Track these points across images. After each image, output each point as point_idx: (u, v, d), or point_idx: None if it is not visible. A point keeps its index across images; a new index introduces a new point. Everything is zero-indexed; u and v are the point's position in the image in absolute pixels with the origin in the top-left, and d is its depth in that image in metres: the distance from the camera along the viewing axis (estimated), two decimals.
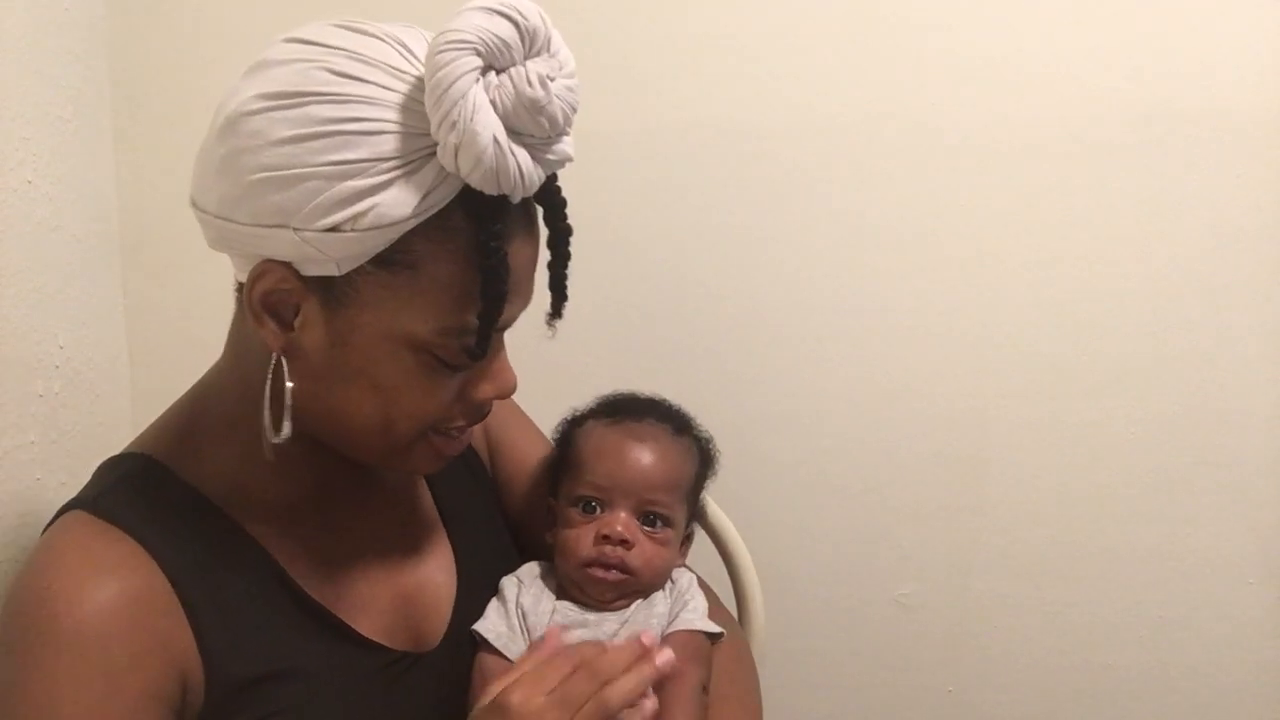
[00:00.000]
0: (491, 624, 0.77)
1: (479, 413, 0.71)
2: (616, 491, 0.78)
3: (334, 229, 0.59)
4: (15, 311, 0.88)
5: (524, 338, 1.22)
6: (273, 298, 0.64)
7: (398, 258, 0.61)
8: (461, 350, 0.65)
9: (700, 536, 0.99)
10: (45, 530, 0.67)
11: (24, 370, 0.89)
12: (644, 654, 0.66)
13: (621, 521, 0.77)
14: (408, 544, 0.78)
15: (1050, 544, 1.24)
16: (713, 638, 0.78)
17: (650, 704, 0.66)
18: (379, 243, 0.60)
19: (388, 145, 0.59)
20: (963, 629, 1.26)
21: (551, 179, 0.66)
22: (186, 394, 0.74)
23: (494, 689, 0.65)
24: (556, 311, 0.70)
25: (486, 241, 0.61)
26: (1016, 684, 1.27)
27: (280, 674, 0.67)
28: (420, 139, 0.59)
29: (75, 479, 0.95)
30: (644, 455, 0.79)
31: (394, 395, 0.65)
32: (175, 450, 0.70)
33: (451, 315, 0.63)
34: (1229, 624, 1.25)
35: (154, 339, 1.15)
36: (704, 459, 0.85)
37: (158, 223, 1.13)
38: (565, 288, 0.70)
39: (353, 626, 0.71)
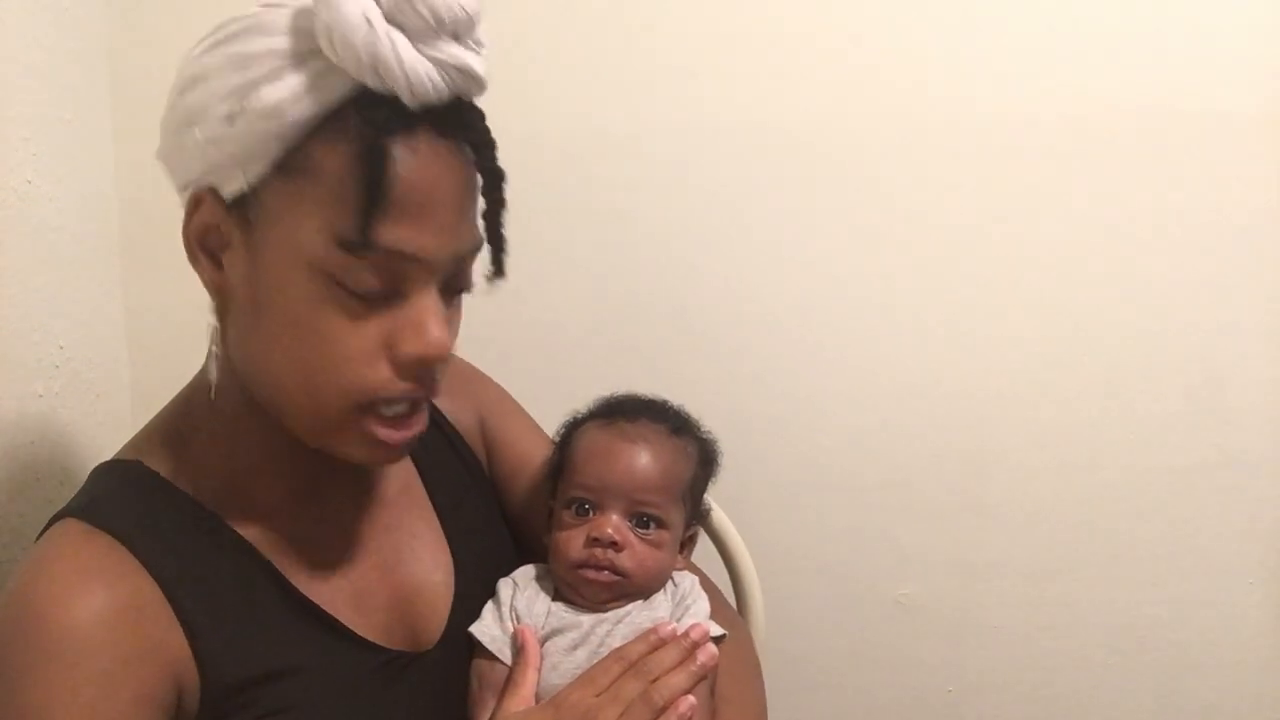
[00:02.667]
0: (486, 627, 0.76)
1: (408, 375, 0.64)
2: (607, 493, 0.77)
3: (228, 118, 0.61)
4: (15, 311, 0.88)
5: (524, 337, 1.22)
6: (206, 234, 0.65)
7: (296, 163, 0.61)
8: (361, 270, 0.61)
9: (701, 536, 0.99)
10: (38, 538, 0.67)
11: (24, 370, 0.89)
12: (690, 650, 0.71)
13: (612, 524, 0.77)
14: (403, 544, 0.78)
15: (1050, 544, 1.24)
16: (716, 640, 0.77)
17: (686, 703, 0.69)
18: (272, 141, 0.61)
19: (279, 41, 0.61)
20: (963, 629, 1.26)
21: (475, 115, 0.64)
22: (175, 398, 0.74)
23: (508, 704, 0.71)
24: (496, 265, 0.67)
25: (364, 130, 0.60)
26: (1016, 684, 1.27)
27: (276, 673, 0.66)
28: (309, 35, 0.60)
29: (75, 479, 0.95)
30: (635, 456, 0.78)
31: (308, 336, 0.63)
32: (165, 455, 0.71)
33: (340, 222, 0.60)
34: (1229, 624, 1.25)
35: (154, 339, 1.15)
36: (704, 459, 0.84)
37: (158, 223, 1.12)
38: (501, 238, 0.66)
39: (348, 625, 0.71)
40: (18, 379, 0.88)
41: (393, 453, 0.68)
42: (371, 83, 0.59)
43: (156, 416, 0.74)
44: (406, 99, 0.60)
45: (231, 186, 0.63)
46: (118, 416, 1.08)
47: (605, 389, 0.87)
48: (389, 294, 0.63)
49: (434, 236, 0.62)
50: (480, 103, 0.66)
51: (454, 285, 0.67)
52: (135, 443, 0.73)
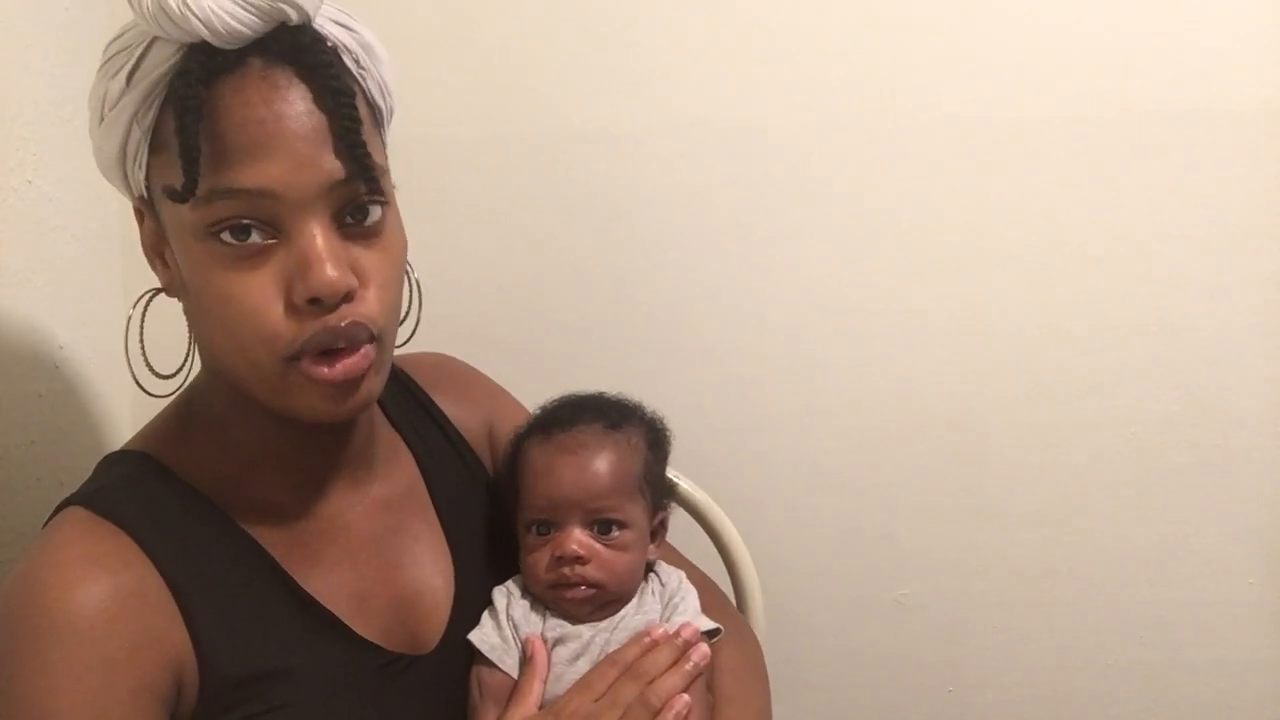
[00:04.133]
0: (486, 634, 0.76)
1: (308, 314, 0.62)
2: (560, 509, 0.77)
3: (100, 119, 0.64)
4: (15, 311, 0.88)
5: (523, 339, 1.22)
6: (154, 242, 0.68)
7: (156, 141, 0.63)
8: (224, 218, 0.61)
9: (701, 536, 0.99)
10: (45, 525, 0.68)
11: (24, 370, 0.89)
12: (683, 650, 0.73)
13: (574, 539, 0.76)
14: (405, 546, 0.78)
15: (1050, 544, 1.24)
16: (709, 635, 0.77)
17: (681, 702, 0.70)
18: (135, 130, 0.63)
19: (123, 40, 0.63)
20: (963, 629, 1.26)
21: (304, 37, 0.62)
22: (182, 391, 0.75)
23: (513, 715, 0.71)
24: (367, 184, 0.63)
25: (178, 85, 0.60)
26: (1016, 684, 1.27)
27: (275, 671, 0.67)
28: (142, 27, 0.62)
29: (75, 479, 0.95)
30: (578, 465, 0.77)
31: (220, 300, 0.63)
32: (171, 447, 0.71)
33: (172, 178, 0.61)
34: (1229, 624, 1.25)
35: (154, 339, 1.14)
36: (653, 443, 0.83)
37: None
38: (361, 155, 0.62)
39: (349, 625, 0.71)
40: (18, 379, 0.88)
41: (341, 395, 0.65)
42: (178, 37, 0.59)
43: (164, 409, 0.75)
44: (217, 42, 0.59)
45: (139, 189, 0.66)
46: (118, 416, 1.08)
47: (605, 390, 0.87)
48: (275, 239, 0.62)
49: (284, 169, 0.61)
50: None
51: (353, 217, 0.64)
52: (143, 434, 0.74)
